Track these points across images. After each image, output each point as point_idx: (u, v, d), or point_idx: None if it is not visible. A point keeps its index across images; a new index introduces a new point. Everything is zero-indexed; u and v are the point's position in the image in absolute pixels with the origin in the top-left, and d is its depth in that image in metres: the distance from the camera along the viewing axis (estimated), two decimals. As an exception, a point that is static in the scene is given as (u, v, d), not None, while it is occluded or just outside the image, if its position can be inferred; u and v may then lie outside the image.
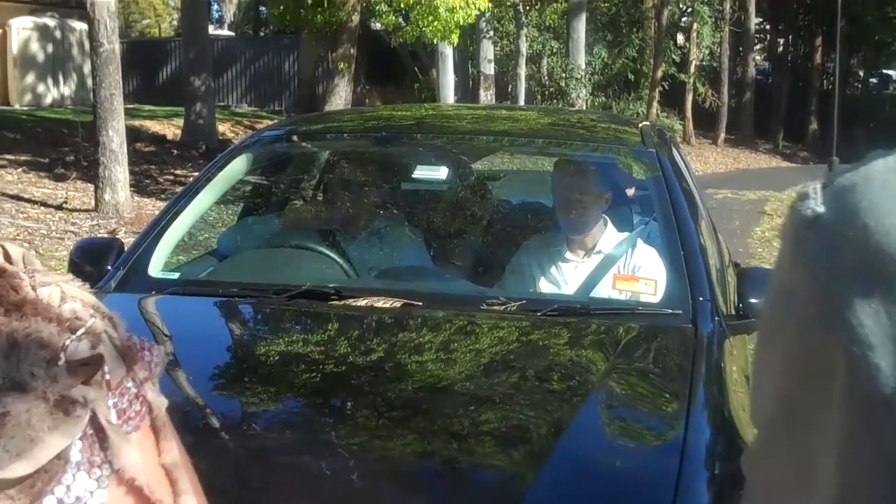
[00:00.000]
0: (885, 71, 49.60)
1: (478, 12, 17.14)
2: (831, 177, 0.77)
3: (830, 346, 0.72)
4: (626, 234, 4.03)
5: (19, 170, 16.19)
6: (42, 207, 13.74)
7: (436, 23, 16.17)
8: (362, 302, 3.46)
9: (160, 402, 0.72)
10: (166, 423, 0.73)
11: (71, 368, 0.66)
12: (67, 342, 0.67)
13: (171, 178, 17.84)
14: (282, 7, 20.53)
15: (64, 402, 0.65)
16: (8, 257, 0.71)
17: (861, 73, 49.25)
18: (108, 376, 0.68)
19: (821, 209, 0.75)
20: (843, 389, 0.71)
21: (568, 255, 4.03)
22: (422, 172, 4.79)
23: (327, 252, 4.06)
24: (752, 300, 3.50)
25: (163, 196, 15.36)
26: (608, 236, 4.00)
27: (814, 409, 0.75)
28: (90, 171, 14.50)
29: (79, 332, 0.68)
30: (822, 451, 0.75)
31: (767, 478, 0.86)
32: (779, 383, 0.81)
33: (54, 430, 0.64)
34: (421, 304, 3.48)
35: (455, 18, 16.20)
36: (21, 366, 0.65)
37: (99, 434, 0.67)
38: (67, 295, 0.70)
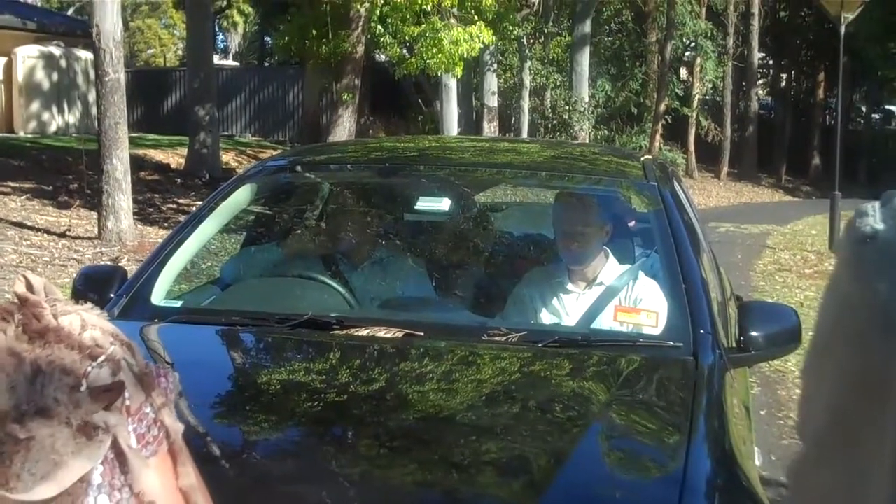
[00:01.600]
0: (887, 107, 49.74)
1: (482, 45, 17.23)
2: (889, 195, 0.80)
3: (889, 359, 0.74)
4: (627, 267, 4.03)
5: (23, 197, 16.23)
6: (45, 234, 13.77)
7: (440, 55, 16.25)
8: (364, 332, 3.47)
9: (177, 428, 0.74)
10: (183, 448, 0.74)
11: (93, 394, 0.68)
12: (89, 369, 0.69)
13: (174, 206, 17.88)
14: (287, 38, 20.67)
15: (86, 428, 0.66)
16: (30, 287, 0.73)
17: (863, 109, 49.39)
18: (128, 402, 0.70)
19: (880, 226, 0.77)
20: None
21: (569, 286, 4.03)
22: (424, 204, 4.81)
23: (329, 282, 4.07)
24: (753, 333, 3.51)
25: (166, 224, 15.39)
26: (609, 268, 4.00)
27: (869, 421, 0.77)
28: (94, 198, 14.53)
29: (100, 360, 0.70)
30: (877, 461, 0.77)
31: (817, 489, 0.87)
32: (832, 395, 0.82)
33: (77, 455, 0.66)
34: (423, 334, 3.49)
35: (459, 51, 16.28)
36: (45, 392, 0.66)
37: (119, 458, 0.68)
38: (88, 323, 0.72)
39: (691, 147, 36.20)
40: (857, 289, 0.79)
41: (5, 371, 0.67)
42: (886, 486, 0.76)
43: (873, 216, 0.79)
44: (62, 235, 13.82)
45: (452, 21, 16.86)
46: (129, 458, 0.68)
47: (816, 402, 0.86)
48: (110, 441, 0.67)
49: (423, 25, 16.48)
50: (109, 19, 13.18)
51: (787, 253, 17.86)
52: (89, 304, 0.75)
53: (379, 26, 18.32)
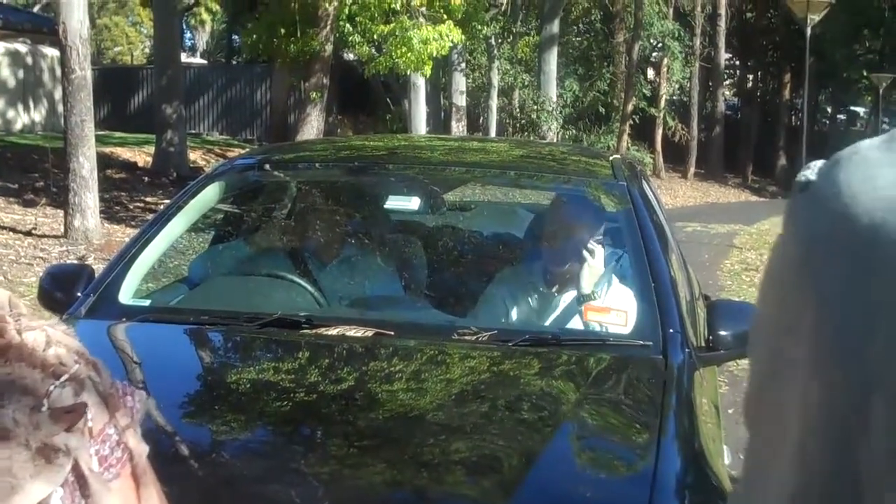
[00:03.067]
0: (852, 108, 50.11)
1: (451, 44, 17.23)
2: (836, 155, 0.85)
3: (803, 302, 0.78)
4: (601, 270, 3.99)
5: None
6: (11, 233, 13.67)
7: (409, 54, 16.24)
8: (334, 331, 3.46)
9: (141, 450, 0.72)
10: (147, 471, 0.73)
11: (54, 415, 0.66)
12: (51, 388, 0.67)
13: (141, 205, 17.78)
14: (255, 36, 20.57)
15: (46, 450, 0.65)
16: None
17: (829, 110, 49.74)
18: (90, 423, 0.68)
19: (813, 177, 0.83)
20: (808, 343, 0.77)
21: (542, 288, 4.03)
22: (394, 202, 4.80)
23: (298, 280, 4.06)
24: (722, 332, 3.53)
25: (133, 223, 15.31)
26: (586, 271, 3.93)
27: (791, 361, 0.80)
28: (60, 197, 14.44)
29: (62, 379, 0.68)
30: (793, 401, 0.80)
31: (755, 422, 0.91)
32: (767, 334, 0.87)
33: (36, 478, 0.64)
34: (393, 333, 3.48)
35: (428, 50, 16.27)
36: (3, 412, 0.64)
37: (80, 482, 0.66)
38: (53, 340, 0.70)
39: (658, 147, 36.35)
40: (786, 234, 0.83)
41: None
42: (797, 418, 0.79)
43: (811, 170, 0.85)
44: (28, 234, 13.72)
45: (421, 20, 16.84)
46: (90, 482, 0.67)
47: (759, 343, 0.91)
48: (71, 464, 0.66)
49: (392, 24, 16.47)
50: (76, 16, 13.10)
51: (753, 253, 17.95)
52: (55, 320, 0.73)
53: (348, 25, 18.28)
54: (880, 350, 0.70)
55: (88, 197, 13.40)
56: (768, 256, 0.89)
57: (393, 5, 16.10)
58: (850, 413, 0.73)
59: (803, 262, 0.79)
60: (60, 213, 14.18)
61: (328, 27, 19.09)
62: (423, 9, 16.93)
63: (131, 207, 17.45)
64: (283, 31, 19.33)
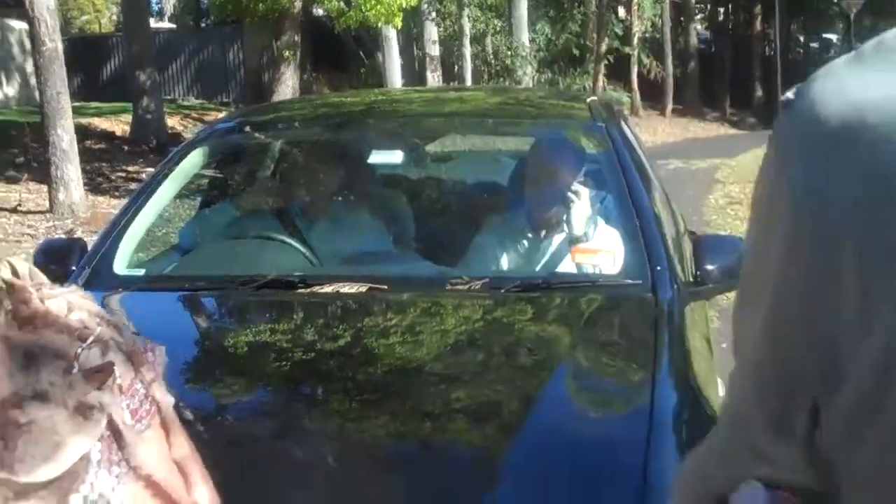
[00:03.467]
0: (824, 35, 50.03)
1: (420, -6, 17.16)
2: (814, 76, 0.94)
3: (781, 195, 0.89)
4: (588, 211, 4.01)
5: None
6: (-2, 211, 13.64)
7: (379, 6, 16.16)
8: (328, 288, 3.51)
9: (167, 401, 0.78)
10: (174, 420, 0.78)
11: (85, 376, 0.71)
12: (79, 351, 0.72)
13: (123, 174, 17.74)
14: (223, -4, 20.48)
15: (82, 408, 0.70)
16: (15, 272, 0.75)
17: (802, 38, 49.65)
18: (119, 380, 0.73)
19: (792, 97, 0.92)
20: (784, 224, 0.88)
21: (529, 233, 4.06)
22: (378, 157, 4.83)
23: (289, 240, 4.09)
24: (709, 266, 3.58)
25: (116, 193, 15.29)
26: (572, 213, 3.93)
27: (772, 255, 0.91)
28: (42, 171, 14.40)
29: (88, 341, 0.73)
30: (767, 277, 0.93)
31: (741, 325, 1.02)
32: (753, 236, 0.98)
33: (76, 434, 0.69)
34: (386, 287, 3.53)
35: (398, 1, 16.20)
36: (40, 376, 0.69)
37: (115, 434, 0.71)
38: (74, 305, 0.75)
39: (634, 86, 36.33)
40: (770, 145, 0.94)
41: (0, 359, 0.70)
42: (767, 294, 0.91)
43: (792, 90, 0.94)
44: (13, 211, 13.69)
45: (390, -29, 16.76)
46: (124, 434, 0.72)
47: (747, 247, 1.02)
48: (106, 419, 0.71)
49: (361, -23, 16.39)
50: (42, -12, 13.00)
51: (736, 186, 18.02)
52: (73, 286, 0.78)
53: (316, -20, 18.20)
54: (845, 210, 0.82)
55: (70, 169, 13.37)
56: (759, 170, 0.98)
57: (361, -42, 16.02)
58: (819, 273, 0.84)
59: (781, 161, 0.91)
60: (44, 187, 14.16)
61: (297, -17, 19.03)
62: (391, -41, 16.85)
63: (113, 178, 17.40)
64: (250, -10, 19.27)
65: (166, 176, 4.27)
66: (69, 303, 0.75)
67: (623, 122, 4.67)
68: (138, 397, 0.75)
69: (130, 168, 18.33)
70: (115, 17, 50.82)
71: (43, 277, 0.77)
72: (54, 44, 13.08)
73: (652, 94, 38.00)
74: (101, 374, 0.71)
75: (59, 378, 0.70)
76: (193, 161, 4.44)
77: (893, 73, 0.84)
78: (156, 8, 50.32)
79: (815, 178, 0.85)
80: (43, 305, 0.74)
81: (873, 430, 0.81)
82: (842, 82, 0.88)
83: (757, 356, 0.94)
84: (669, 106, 38.11)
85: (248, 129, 4.78)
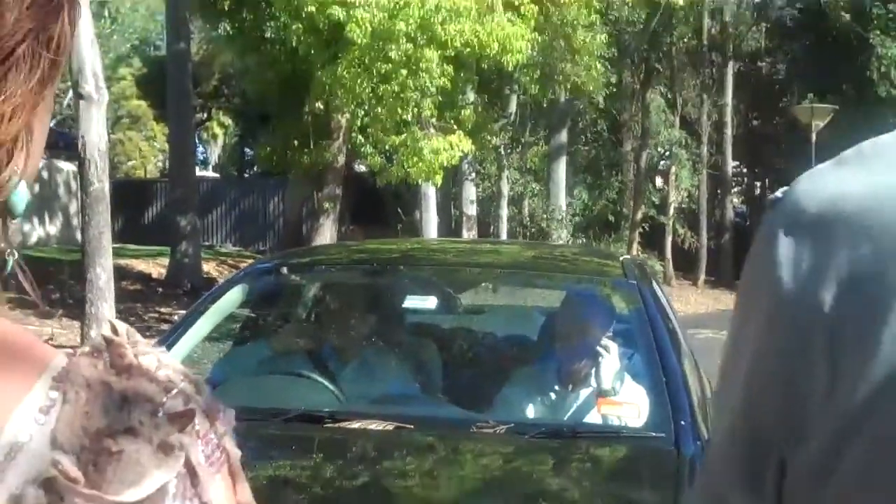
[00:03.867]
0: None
1: (461, 154, 17.44)
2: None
3: (761, 281, 0.99)
4: (616, 368, 4.06)
5: (5, 307, 16.20)
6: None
7: (420, 164, 16.42)
8: (356, 424, 3.55)
9: (236, 453, 0.88)
10: (240, 470, 0.89)
11: (170, 419, 0.82)
12: (165, 399, 0.83)
13: (155, 315, 17.92)
14: (269, 148, 20.92)
15: (165, 446, 0.81)
16: (115, 330, 0.87)
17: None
18: (197, 427, 0.84)
19: (780, 195, 1.02)
20: (764, 312, 0.97)
21: (557, 386, 4.09)
22: (412, 302, 4.91)
23: (319, 378, 4.14)
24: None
25: (148, 333, 15.41)
26: (600, 369, 3.96)
27: (751, 335, 1.00)
28: (76, 308, 14.56)
29: (173, 392, 0.84)
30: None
31: (719, 399, 1.12)
32: (735, 320, 1.07)
33: (158, 467, 0.80)
34: (412, 427, 3.57)
35: (439, 160, 16.46)
36: (132, 415, 0.81)
37: (191, 473, 0.82)
38: (162, 363, 0.86)
39: (668, 255, 36.44)
40: (753, 242, 1.04)
41: (99, 397, 0.81)
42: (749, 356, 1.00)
43: (781, 190, 1.04)
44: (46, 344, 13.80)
45: (432, 131, 17.10)
46: (199, 473, 0.82)
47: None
48: (184, 458, 0.81)
49: (404, 135, 16.71)
50: (94, 130, 13.34)
51: (765, 357, 17.95)
52: (163, 348, 0.89)
53: (359, 136, 18.56)
54: (817, 293, 0.91)
55: (105, 307, 13.51)
56: (745, 263, 1.08)
57: (404, 116, 16.35)
58: (792, 351, 0.93)
59: (764, 249, 1.00)
60: (76, 324, 14.30)
61: (340, 138, 19.44)
62: (434, 120, 17.20)
63: (146, 318, 17.58)
64: (296, 142, 19.67)
65: (203, 312, 4.35)
66: (159, 360, 0.86)
67: (654, 282, 4.74)
68: (212, 445, 0.85)
69: (163, 309, 18.52)
70: (159, 164, 51.83)
71: (139, 337, 0.89)
72: (101, 184, 13.36)
73: (685, 264, 38.11)
74: (183, 419, 0.82)
75: (147, 418, 0.81)
76: (232, 298, 4.53)
77: (870, 174, 0.95)
78: (201, 157, 51.32)
79: (793, 266, 0.94)
80: (136, 360, 0.85)
81: (829, 490, 0.89)
82: (820, 180, 1.00)
83: (734, 423, 1.01)
84: (702, 276, 38.16)
85: (285, 269, 4.89)
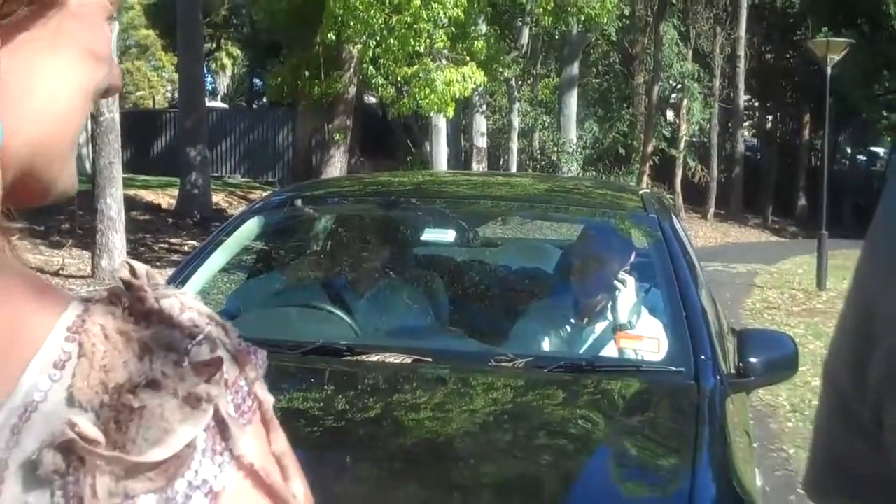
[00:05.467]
0: (872, 148, 50.07)
1: (473, 86, 17.34)
2: None
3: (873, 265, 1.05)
4: (633, 301, 4.01)
5: (15, 237, 16.20)
6: (38, 273, 13.71)
7: (432, 96, 16.34)
8: (374, 358, 3.54)
9: (268, 399, 0.82)
10: (273, 418, 0.82)
11: (195, 369, 0.76)
12: (189, 346, 0.77)
13: (165, 246, 17.93)
14: (279, 79, 20.80)
15: (191, 398, 0.75)
16: (133, 272, 0.81)
17: (849, 150, 49.71)
18: (225, 376, 0.78)
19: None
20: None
21: (573, 319, 4.08)
22: (430, 235, 4.88)
23: (335, 311, 4.13)
24: (752, 359, 3.59)
25: (158, 264, 15.43)
26: (617, 301, 3.95)
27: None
28: (86, 238, 14.58)
29: (198, 338, 0.78)
30: None
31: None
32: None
33: (184, 422, 0.74)
34: (431, 360, 3.56)
35: (451, 92, 16.38)
36: (153, 366, 0.75)
37: (220, 426, 0.76)
38: (185, 306, 0.80)
39: (678, 188, 36.37)
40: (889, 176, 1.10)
41: (118, 349, 0.75)
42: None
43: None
44: (55, 274, 13.85)
45: (444, 62, 16.99)
46: (229, 425, 0.76)
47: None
48: (212, 410, 0.75)
49: (416, 66, 16.60)
50: (104, 59, 13.27)
51: (775, 291, 17.96)
52: (186, 289, 0.84)
53: (371, 67, 18.45)
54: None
55: (115, 237, 13.53)
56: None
57: (416, 48, 16.23)
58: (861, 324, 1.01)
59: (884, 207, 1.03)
60: (86, 254, 14.32)
61: (352, 69, 19.32)
62: (446, 51, 17.08)
63: (156, 248, 17.59)
64: (307, 73, 19.56)
65: (220, 243, 4.33)
66: (181, 303, 0.80)
67: (674, 216, 4.71)
68: (242, 394, 0.79)
69: (173, 240, 18.54)
70: (168, 94, 51.66)
71: (159, 278, 0.83)
72: (112, 115, 13.33)
73: (695, 197, 38.06)
74: (209, 368, 0.76)
75: (170, 369, 0.75)
76: (248, 230, 4.50)
77: None
78: (210, 87, 51.12)
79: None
80: (157, 304, 0.79)
81: None
82: None
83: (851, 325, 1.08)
84: (712, 210, 38.13)
85: (300, 201, 4.85)
